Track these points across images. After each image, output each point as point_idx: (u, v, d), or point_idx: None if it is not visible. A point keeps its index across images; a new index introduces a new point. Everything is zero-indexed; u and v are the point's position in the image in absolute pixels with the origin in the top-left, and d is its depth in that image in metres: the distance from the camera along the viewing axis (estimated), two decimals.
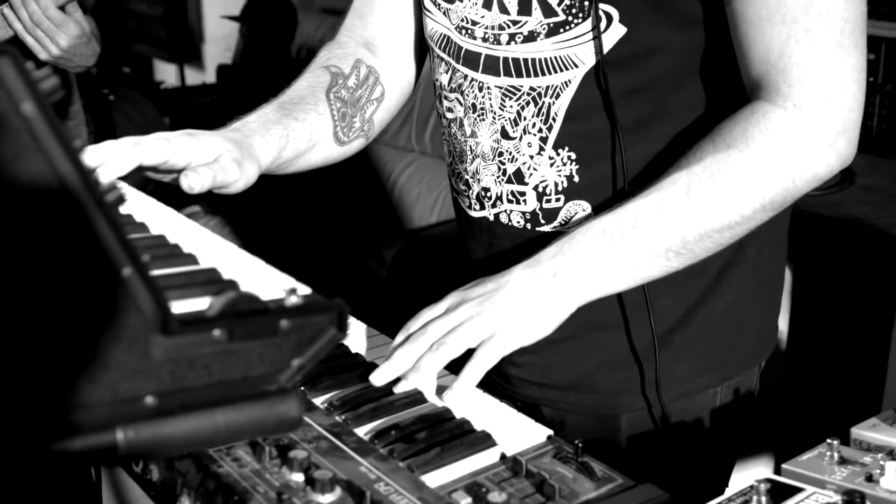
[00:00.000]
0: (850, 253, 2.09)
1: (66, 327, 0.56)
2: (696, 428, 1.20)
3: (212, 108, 4.42)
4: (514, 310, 1.03)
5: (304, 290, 0.70)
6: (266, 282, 0.73)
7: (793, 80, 0.98)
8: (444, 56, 1.20)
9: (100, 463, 0.63)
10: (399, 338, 1.05)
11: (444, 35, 1.19)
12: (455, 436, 0.93)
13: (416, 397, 1.01)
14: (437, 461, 0.89)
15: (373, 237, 3.20)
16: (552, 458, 0.91)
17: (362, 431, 0.94)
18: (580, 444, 0.90)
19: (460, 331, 1.02)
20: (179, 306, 0.61)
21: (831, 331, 2.24)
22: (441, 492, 0.85)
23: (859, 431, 0.95)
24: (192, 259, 0.82)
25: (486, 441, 0.92)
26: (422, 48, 1.32)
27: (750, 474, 0.84)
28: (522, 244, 1.15)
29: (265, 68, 3.81)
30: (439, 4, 1.19)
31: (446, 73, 1.20)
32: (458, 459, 0.90)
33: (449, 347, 1.02)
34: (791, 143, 0.99)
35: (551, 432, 0.95)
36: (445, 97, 1.21)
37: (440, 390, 1.03)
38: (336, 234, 3.36)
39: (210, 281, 0.74)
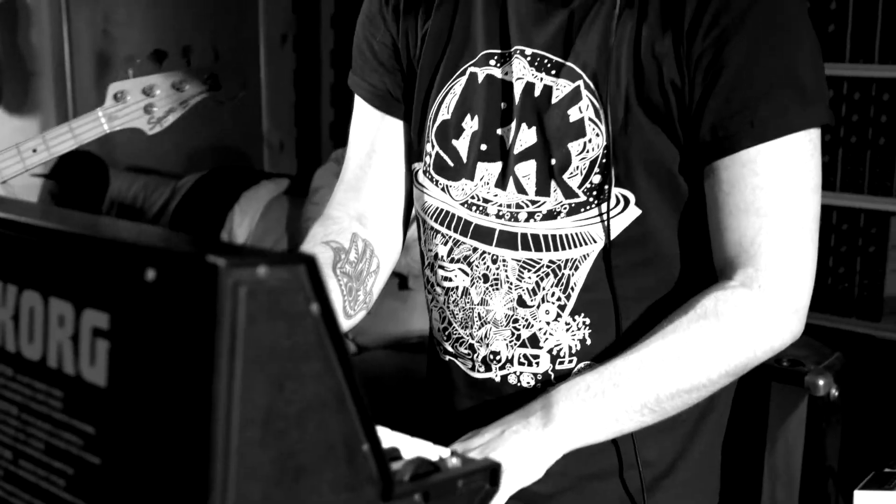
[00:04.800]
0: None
1: (320, 498, 0.62)
2: None
3: None
4: (512, 456, 1.13)
5: (446, 451, 0.78)
6: (406, 446, 0.80)
7: (760, 265, 1.13)
8: (443, 229, 1.26)
9: None
10: None
11: (443, 209, 1.26)
12: None
13: None
14: None
15: None
16: None
17: None
18: None
19: None
20: None
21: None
22: None
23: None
24: None
25: None
26: (408, 217, 1.39)
27: None
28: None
29: None
30: (437, 181, 1.26)
31: (445, 244, 1.26)
32: None
33: None
34: (755, 320, 1.14)
35: None
36: (442, 267, 1.27)
37: None
38: None
39: None
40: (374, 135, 1.36)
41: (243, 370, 0.56)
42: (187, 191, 3.73)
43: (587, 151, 1.17)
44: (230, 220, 3.47)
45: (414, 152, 1.32)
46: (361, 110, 1.39)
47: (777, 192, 1.12)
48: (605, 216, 1.17)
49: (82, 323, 0.62)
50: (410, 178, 1.35)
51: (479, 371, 1.28)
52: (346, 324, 1.29)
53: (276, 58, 3.87)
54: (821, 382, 1.65)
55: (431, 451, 0.79)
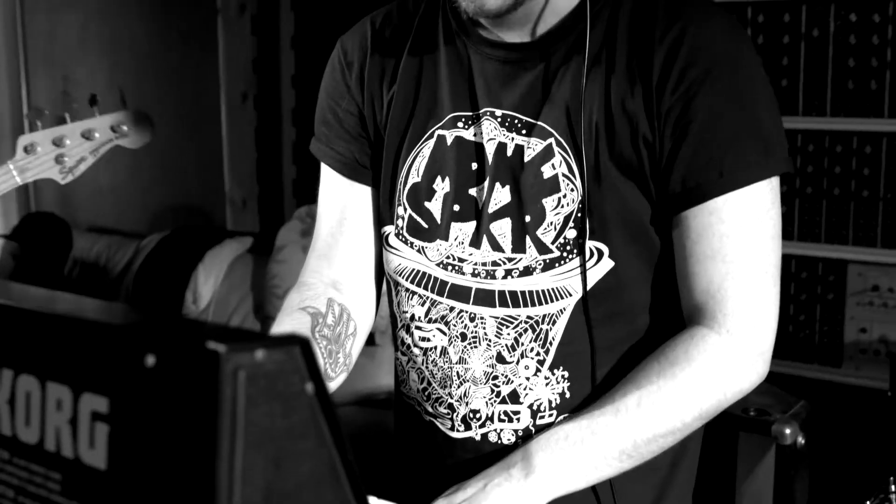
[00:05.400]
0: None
1: None
2: None
3: None
4: None
5: None
6: None
7: (728, 310, 1.18)
8: (419, 290, 1.28)
9: None
10: None
11: (418, 270, 1.28)
12: None
13: None
14: None
15: None
16: None
17: None
18: None
19: None
20: None
21: None
22: None
23: None
24: None
25: None
26: (380, 279, 1.41)
27: None
28: None
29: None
30: (412, 243, 1.29)
31: (422, 305, 1.28)
32: None
33: None
34: (724, 363, 1.18)
35: None
36: (419, 328, 1.29)
37: None
38: None
39: None
40: (343, 202, 1.38)
41: (244, 453, 0.57)
42: (151, 250, 3.72)
43: (562, 206, 1.21)
44: (194, 280, 3.46)
45: (384, 216, 1.34)
46: (329, 178, 1.41)
47: (742, 239, 1.17)
48: (582, 269, 1.20)
49: (81, 407, 0.63)
50: (380, 241, 1.36)
51: (458, 430, 1.29)
52: (329, 386, 1.30)
53: (237, 116, 3.90)
54: (787, 431, 1.68)
55: None
